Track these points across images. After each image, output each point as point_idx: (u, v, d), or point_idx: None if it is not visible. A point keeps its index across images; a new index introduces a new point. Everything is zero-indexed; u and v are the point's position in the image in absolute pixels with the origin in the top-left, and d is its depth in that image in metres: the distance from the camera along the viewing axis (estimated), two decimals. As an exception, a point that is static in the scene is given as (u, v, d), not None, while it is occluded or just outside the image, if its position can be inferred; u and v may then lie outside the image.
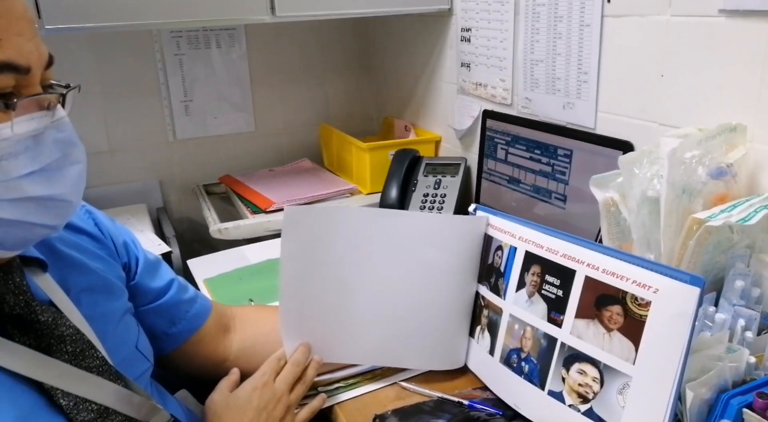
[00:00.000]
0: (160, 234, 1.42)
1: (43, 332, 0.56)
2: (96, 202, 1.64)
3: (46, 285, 0.60)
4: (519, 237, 0.79)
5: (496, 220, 0.83)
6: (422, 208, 1.38)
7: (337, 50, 1.79)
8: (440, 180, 1.41)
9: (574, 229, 1.06)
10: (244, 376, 0.79)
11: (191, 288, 0.84)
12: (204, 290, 1.16)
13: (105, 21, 1.12)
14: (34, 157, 0.51)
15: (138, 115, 1.60)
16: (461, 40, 1.36)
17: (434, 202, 1.38)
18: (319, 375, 0.84)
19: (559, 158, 1.11)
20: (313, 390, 0.83)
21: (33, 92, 0.51)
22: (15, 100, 0.49)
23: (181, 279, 0.83)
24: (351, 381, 0.85)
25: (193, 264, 1.27)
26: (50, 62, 0.54)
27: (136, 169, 1.63)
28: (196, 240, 1.70)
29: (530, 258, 0.77)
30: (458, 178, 1.40)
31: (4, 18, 0.48)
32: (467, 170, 1.42)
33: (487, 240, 0.84)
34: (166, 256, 1.30)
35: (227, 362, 0.82)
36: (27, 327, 0.55)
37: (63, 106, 0.54)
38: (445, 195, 1.39)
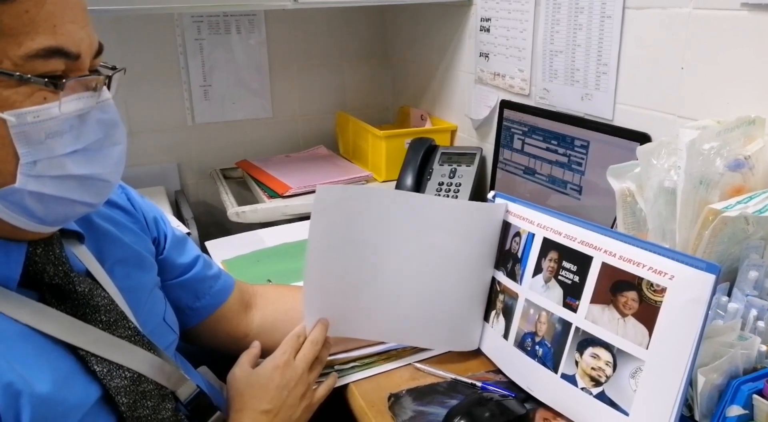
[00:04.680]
0: (179, 216, 1.45)
1: (79, 301, 0.58)
2: (116, 182, 1.66)
3: (84, 256, 0.62)
4: (537, 223, 0.81)
5: (515, 207, 0.85)
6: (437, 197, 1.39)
7: (355, 38, 1.80)
8: (455, 169, 1.42)
9: (589, 220, 1.07)
10: (264, 351, 0.81)
11: (215, 265, 0.86)
12: (225, 270, 1.18)
13: (127, 4, 1.14)
14: (78, 136, 0.53)
15: (158, 99, 1.62)
16: (480, 30, 1.37)
17: (449, 190, 1.40)
18: (335, 354, 0.86)
19: (576, 149, 1.12)
20: (329, 369, 0.85)
21: (81, 75, 0.53)
22: (64, 81, 0.51)
23: (206, 256, 0.85)
24: (367, 360, 0.87)
25: (211, 245, 1.30)
26: (100, 50, 0.56)
27: (155, 151, 1.65)
28: (212, 224, 1.73)
29: (548, 245, 0.78)
30: (473, 168, 1.42)
31: (59, 6, 0.50)
32: (483, 160, 1.43)
33: (505, 226, 0.86)
34: (185, 238, 1.33)
35: (248, 337, 0.85)
36: (65, 297, 0.58)
37: (108, 88, 0.56)
38: (460, 184, 1.40)
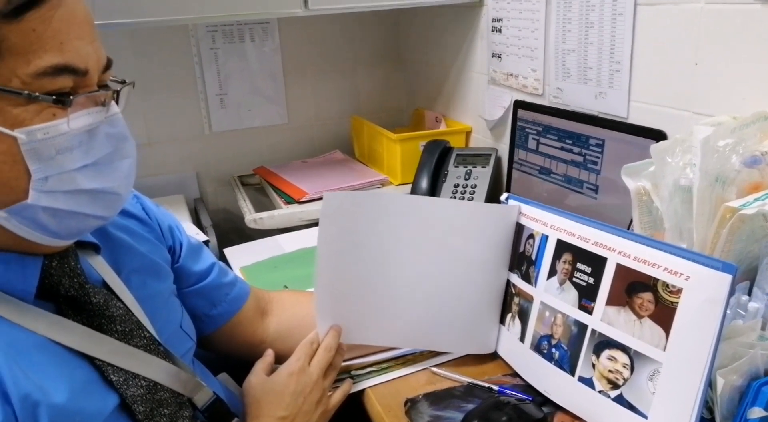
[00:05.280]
0: (198, 223, 1.47)
1: (94, 312, 0.59)
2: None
3: (100, 266, 0.64)
4: (551, 225, 0.80)
5: (527, 209, 0.84)
6: (453, 199, 1.39)
7: (368, 42, 1.80)
8: (471, 170, 1.42)
9: (606, 220, 1.04)
10: (279, 357, 0.82)
11: (231, 272, 0.87)
12: (240, 277, 1.19)
13: (145, 16, 1.16)
14: (88, 151, 0.54)
15: (175, 109, 1.64)
16: (492, 31, 1.36)
17: (465, 192, 1.39)
18: (352, 359, 0.87)
19: (591, 148, 1.11)
20: (345, 374, 0.85)
21: (89, 91, 0.54)
22: (71, 98, 0.52)
23: (221, 263, 0.86)
24: (383, 365, 0.87)
25: (229, 252, 1.31)
26: (108, 65, 0.57)
27: (174, 161, 1.68)
28: (231, 230, 1.75)
29: (562, 247, 0.78)
30: (489, 169, 1.41)
31: (66, 22, 0.51)
32: (498, 161, 1.42)
33: (519, 228, 0.85)
34: (204, 245, 1.35)
35: (264, 344, 0.85)
36: (80, 308, 0.59)
37: (117, 102, 0.57)
38: (475, 185, 1.40)
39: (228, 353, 0.86)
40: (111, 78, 0.59)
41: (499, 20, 1.33)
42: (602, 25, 1.04)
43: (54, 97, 0.51)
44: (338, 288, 0.81)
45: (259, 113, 1.73)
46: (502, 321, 0.88)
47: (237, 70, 1.67)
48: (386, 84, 1.86)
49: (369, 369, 0.87)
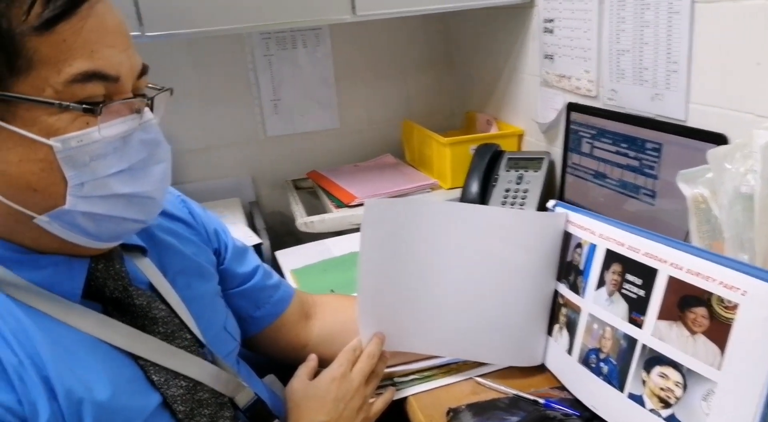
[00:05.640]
0: (252, 226, 1.50)
1: (137, 314, 0.61)
2: (193, 195, 1.73)
3: (147, 268, 0.66)
4: (599, 234, 0.77)
5: (575, 217, 0.82)
6: (503, 203, 1.36)
7: (418, 46, 1.80)
8: (522, 175, 1.39)
9: (664, 227, 1.02)
10: (322, 362, 0.83)
11: (276, 275, 0.89)
12: (290, 280, 1.22)
13: (200, 26, 1.20)
14: (122, 157, 0.55)
15: (231, 115, 1.69)
16: (544, 31, 1.33)
17: (516, 197, 1.37)
18: (395, 366, 0.87)
19: (648, 152, 1.06)
20: (388, 381, 0.85)
21: (123, 98, 0.56)
22: (101, 106, 0.53)
23: (266, 266, 0.88)
24: (426, 373, 0.87)
25: (281, 255, 1.34)
26: (143, 71, 0.59)
27: (231, 165, 1.72)
28: (285, 233, 1.78)
29: (610, 256, 0.75)
30: (541, 173, 1.38)
31: (96, 32, 0.52)
32: (551, 165, 1.39)
33: (567, 237, 0.83)
34: (257, 248, 1.38)
35: (307, 347, 0.87)
36: (125, 310, 0.61)
37: (152, 109, 0.59)
38: (527, 190, 1.37)
39: (272, 355, 0.88)
40: (149, 85, 0.60)
41: (550, 21, 1.30)
42: (658, 25, 0.99)
43: (84, 106, 0.52)
44: (381, 295, 0.81)
45: (311, 118, 1.75)
46: (549, 332, 0.86)
47: (290, 76, 1.70)
48: (437, 87, 1.85)
49: (412, 377, 0.86)
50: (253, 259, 0.86)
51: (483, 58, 1.66)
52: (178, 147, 1.66)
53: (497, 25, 1.54)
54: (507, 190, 1.39)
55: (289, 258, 1.31)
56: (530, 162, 1.41)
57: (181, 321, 0.66)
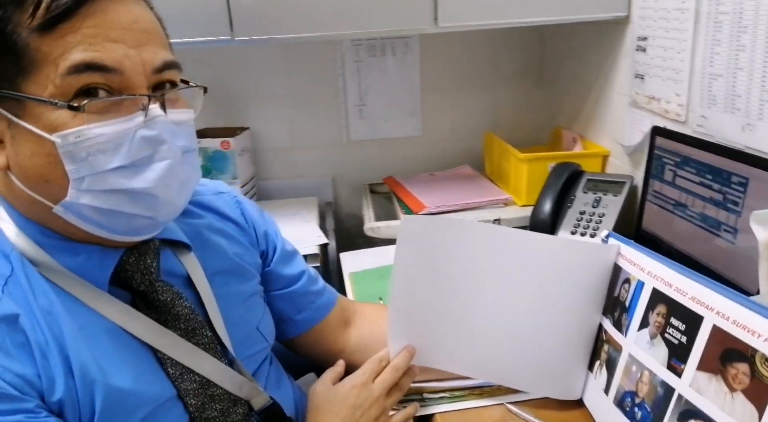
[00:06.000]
0: (322, 226, 1.54)
1: (161, 309, 0.65)
2: (275, 192, 1.83)
3: (189, 263, 0.70)
4: (648, 271, 0.72)
5: (627, 250, 0.77)
6: (576, 227, 1.31)
7: (509, 57, 1.77)
8: (600, 198, 1.33)
9: (743, 268, 0.93)
10: (356, 369, 0.83)
11: (321, 281, 0.91)
12: (347, 283, 1.24)
13: (287, 33, 1.25)
14: (123, 153, 0.56)
15: (318, 117, 1.74)
16: (636, 50, 1.26)
17: (590, 221, 1.31)
18: (426, 381, 0.86)
19: (733, 186, 0.98)
20: (417, 395, 0.85)
21: (134, 93, 0.57)
22: (84, 104, 0.54)
23: (312, 271, 0.90)
24: (457, 393, 0.85)
25: (344, 257, 1.37)
26: (166, 67, 0.60)
27: (314, 165, 1.78)
28: (358, 236, 1.80)
29: (657, 297, 0.70)
30: (621, 198, 1.31)
31: (96, 28, 0.55)
32: (632, 190, 1.31)
33: (616, 270, 0.78)
34: (323, 248, 1.42)
35: (344, 353, 0.88)
36: (150, 303, 0.65)
37: (164, 106, 0.59)
38: (603, 214, 1.30)
39: (310, 358, 0.90)
40: (183, 81, 0.63)
41: (644, 38, 1.23)
42: (754, 49, 0.91)
43: (69, 104, 0.54)
44: (412, 311, 0.80)
45: (394, 125, 1.77)
46: (591, 367, 0.81)
47: (377, 83, 1.73)
48: (526, 100, 1.81)
49: (442, 395, 0.85)
50: (300, 264, 0.88)
51: (574, 73, 1.60)
52: (266, 145, 1.74)
53: (591, 39, 1.48)
54: (581, 213, 1.33)
55: (352, 260, 1.33)
56: (610, 185, 1.34)
57: (204, 320, 0.68)
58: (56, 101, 0.54)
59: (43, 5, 0.53)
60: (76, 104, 0.54)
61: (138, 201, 0.59)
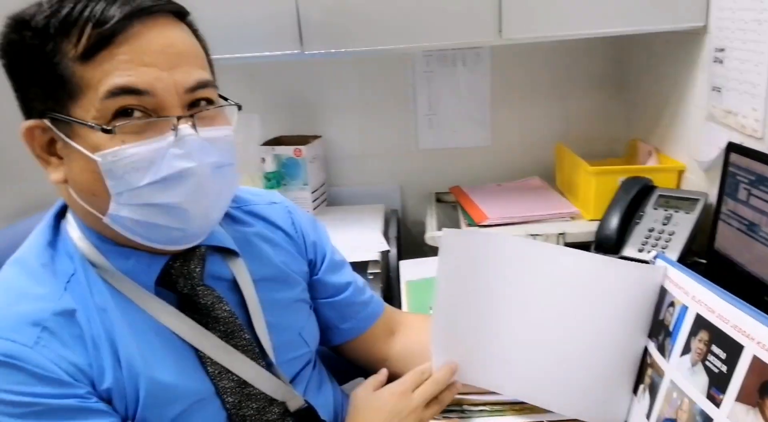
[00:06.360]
0: (385, 233, 1.58)
1: (202, 311, 0.70)
2: (344, 198, 1.89)
3: (236, 268, 0.75)
4: (692, 296, 0.70)
5: (674, 273, 0.75)
6: (644, 244, 1.26)
7: (584, 67, 1.73)
8: (672, 215, 1.27)
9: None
10: (398, 378, 0.86)
11: (368, 291, 0.94)
12: (403, 291, 1.26)
13: (354, 46, 1.30)
14: (154, 171, 0.61)
15: (388, 126, 1.78)
16: (713, 61, 1.20)
17: (659, 238, 1.25)
18: (467, 394, 0.87)
19: (810, 208, 0.92)
20: (457, 407, 0.86)
21: (169, 114, 0.62)
22: (116, 127, 0.60)
23: (360, 282, 0.93)
24: (497, 407, 0.86)
25: (404, 264, 1.39)
26: (197, 86, 0.63)
27: (382, 173, 1.82)
28: (425, 244, 1.83)
29: (700, 322, 0.68)
30: (693, 216, 1.25)
31: (131, 54, 0.60)
32: (707, 208, 1.25)
33: (663, 292, 0.76)
34: (384, 255, 1.45)
35: (388, 362, 0.91)
36: (193, 306, 0.70)
37: (194, 126, 0.63)
38: (673, 232, 1.25)
39: (355, 364, 0.93)
40: (221, 97, 0.67)
41: (721, 50, 1.17)
42: (834, 62, 0.85)
43: (102, 127, 0.59)
44: (454, 325, 0.81)
45: (463, 134, 1.78)
46: (635, 390, 0.79)
47: (447, 93, 1.75)
48: (601, 112, 1.76)
49: (481, 408, 0.86)
50: (348, 274, 0.91)
51: (651, 85, 1.54)
52: (338, 153, 1.81)
53: (668, 50, 1.42)
54: (650, 230, 1.28)
55: (411, 269, 1.36)
56: (683, 202, 1.28)
57: (245, 323, 0.73)
58: (93, 124, 0.60)
59: (85, 36, 0.59)
60: (110, 127, 0.60)
61: (170, 214, 0.63)
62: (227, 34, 1.23)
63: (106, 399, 0.62)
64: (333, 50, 1.30)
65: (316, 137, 1.72)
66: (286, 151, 1.64)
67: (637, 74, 1.64)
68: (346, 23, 1.27)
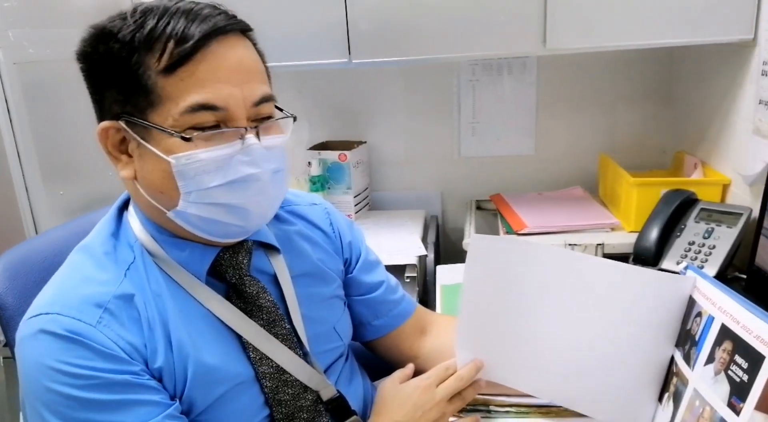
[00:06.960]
0: (423, 238, 1.61)
1: (248, 300, 0.75)
2: (387, 203, 1.94)
3: (277, 263, 0.80)
4: (719, 306, 0.71)
5: (702, 284, 0.75)
6: (683, 257, 1.25)
7: (631, 78, 1.72)
8: (713, 229, 1.26)
9: None
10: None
11: (400, 291, 0.98)
12: (438, 295, 1.29)
13: (400, 56, 1.34)
14: (222, 174, 0.67)
15: (432, 133, 1.82)
16: (762, 74, 1.19)
17: (699, 252, 1.24)
18: (494, 395, 0.89)
19: None
20: (483, 407, 0.88)
21: (237, 125, 0.67)
22: (194, 135, 0.65)
23: (393, 282, 0.97)
24: (524, 410, 0.87)
25: (441, 269, 1.42)
26: (261, 100, 0.69)
27: (424, 179, 1.86)
28: (462, 250, 1.85)
29: (724, 332, 0.68)
30: (735, 230, 1.23)
31: (208, 71, 0.65)
32: (750, 223, 1.23)
33: (691, 303, 0.77)
34: (422, 259, 1.48)
35: (418, 360, 0.94)
36: (240, 294, 0.75)
37: (258, 136, 0.69)
38: (714, 246, 1.23)
39: (386, 360, 0.97)
40: (279, 110, 0.73)
41: (769, 63, 1.16)
42: None
43: (182, 135, 0.65)
44: (480, 326, 0.83)
45: (507, 143, 1.80)
46: (660, 398, 0.80)
47: (492, 101, 1.77)
48: (647, 123, 1.75)
49: (508, 409, 0.88)
50: (381, 274, 0.96)
51: (698, 97, 1.53)
52: (382, 158, 1.85)
53: (717, 62, 1.41)
54: (691, 243, 1.27)
55: (447, 273, 1.38)
56: (725, 216, 1.27)
57: (284, 314, 0.78)
58: (173, 131, 0.66)
59: (167, 52, 0.65)
60: (188, 136, 0.66)
61: (233, 213, 0.70)
62: (281, 43, 1.30)
63: (158, 377, 0.68)
64: (378, 60, 1.35)
65: (360, 143, 1.77)
66: (332, 155, 1.69)
67: (684, 86, 1.62)
68: (393, 34, 1.32)
